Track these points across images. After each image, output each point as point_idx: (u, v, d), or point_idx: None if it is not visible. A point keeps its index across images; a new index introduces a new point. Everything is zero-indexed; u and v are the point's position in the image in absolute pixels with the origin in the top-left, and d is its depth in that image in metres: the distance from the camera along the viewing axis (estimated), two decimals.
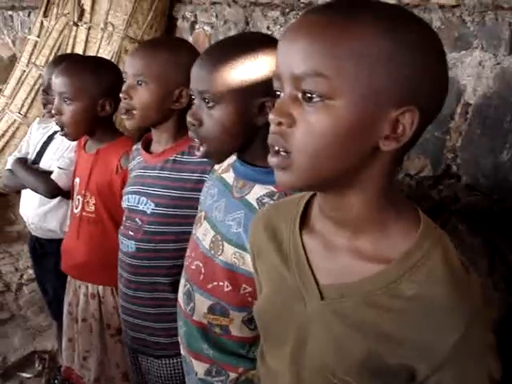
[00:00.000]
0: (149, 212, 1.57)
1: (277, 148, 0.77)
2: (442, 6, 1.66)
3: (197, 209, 1.49)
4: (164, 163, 1.57)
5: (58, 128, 2.24)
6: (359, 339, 0.81)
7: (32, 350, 2.73)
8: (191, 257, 1.29)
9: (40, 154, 2.27)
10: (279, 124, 0.76)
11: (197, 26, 3.11)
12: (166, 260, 1.55)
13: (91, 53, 3.35)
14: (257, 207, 1.14)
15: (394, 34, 0.72)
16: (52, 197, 2.15)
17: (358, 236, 0.83)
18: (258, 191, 1.16)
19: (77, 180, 1.98)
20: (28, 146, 2.34)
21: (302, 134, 0.74)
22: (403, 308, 0.78)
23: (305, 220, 0.91)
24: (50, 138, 2.29)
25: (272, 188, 1.15)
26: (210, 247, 1.22)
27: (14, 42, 5.36)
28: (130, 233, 1.61)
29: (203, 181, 1.48)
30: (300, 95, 0.75)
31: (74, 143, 2.13)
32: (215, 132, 1.16)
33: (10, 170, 2.27)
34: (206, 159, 1.50)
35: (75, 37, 3.47)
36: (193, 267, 1.27)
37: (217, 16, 2.87)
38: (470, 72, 1.60)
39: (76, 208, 1.94)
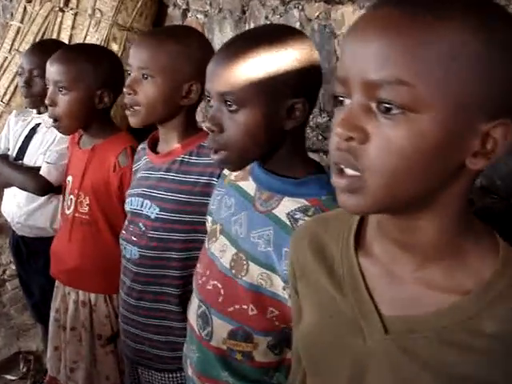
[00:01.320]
0: (153, 217, 1.46)
1: (342, 167, 0.66)
2: None
3: (205, 215, 1.40)
4: (170, 164, 1.46)
5: (39, 120, 2.12)
6: (430, 380, 0.70)
7: (16, 351, 2.62)
8: (205, 275, 1.17)
9: (22, 149, 2.14)
10: (349, 139, 0.64)
11: (189, 14, 2.99)
12: (174, 270, 1.45)
13: (78, 40, 3.22)
14: (288, 223, 1.04)
15: (486, 33, 0.61)
16: (44, 194, 2.04)
17: (428, 263, 0.72)
18: (288, 205, 1.05)
19: (69, 178, 1.84)
20: (7, 141, 2.20)
21: (377, 151, 0.63)
22: (485, 347, 0.68)
23: (359, 239, 0.81)
24: (33, 132, 2.15)
25: (304, 202, 1.04)
26: (231, 266, 1.10)
27: None
28: (134, 238, 1.50)
29: (212, 184, 1.39)
30: (374, 105, 0.63)
31: (60, 135, 2.01)
32: (238, 139, 1.04)
33: None
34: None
35: (61, 23, 3.34)
36: (209, 287, 1.15)
37: (211, 4, 2.76)
38: None
39: (68, 208, 1.81)
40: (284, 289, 1.02)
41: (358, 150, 0.64)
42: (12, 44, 3.73)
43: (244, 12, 2.50)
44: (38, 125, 2.13)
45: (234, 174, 1.20)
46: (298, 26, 2.14)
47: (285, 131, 1.05)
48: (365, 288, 0.76)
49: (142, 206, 1.48)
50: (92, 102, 1.75)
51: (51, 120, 2.06)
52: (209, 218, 1.25)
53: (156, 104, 1.41)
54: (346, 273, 0.79)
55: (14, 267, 3.11)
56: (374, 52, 0.63)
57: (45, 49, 2.14)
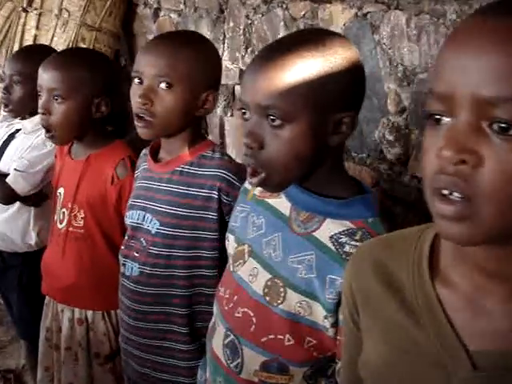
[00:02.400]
0: (153, 232, 1.38)
1: (447, 192, 0.60)
2: None
3: (208, 230, 1.32)
4: (171, 175, 1.38)
5: (20, 126, 2.02)
6: None
7: None
8: (233, 301, 1.08)
9: None
10: (460, 163, 0.58)
11: (161, 14, 2.91)
12: (177, 288, 1.37)
13: (43, 41, 3.10)
14: (332, 248, 0.96)
15: None
16: (6, 203, 1.93)
17: None
18: (331, 228, 0.98)
19: (60, 190, 1.73)
20: None
21: (493, 176, 0.58)
22: None
23: (432, 265, 0.74)
24: (11, 137, 2.04)
25: (349, 224, 0.97)
26: (265, 293, 1.02)
27: None
28: (135, 254, 1.42)
29: (213, 198, 1.32)
30: (486, 124, 0.58)
31: (37, 142, 1.93)
32: (281, 156, 0.94)
33: None
34: (218, 173, 1.34)
35: (24, 23, 3.21)
36: (238, 315, 1.06)
37: (185, 3, 2.68)
38: None
39: (60, 223, 1.70)
40: (326, 318, 0.96)
41: (469, 174, 0.59)
42: None
43: (222, 11, 2.43)
44: (18, 130, 2.02)
45: (259, 188, 1.10)
46: (282, 25, 2.09)
47: (330, 147, 0.98)
48: (446, 320, 0.70)
49: (143, 219, 1.41)
50: (89, 111, 1.65)
51: (30, 126, 1.97)
52: (231, 237, 1.17)
53: (173, 115, 1.32)
54: (421, 303, 0.72)
55: None
56: (490, 66, 0.57)
57: (28, 55, 2.05)
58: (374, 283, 0.78)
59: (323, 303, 0.96)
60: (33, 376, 2.09)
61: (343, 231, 0.96)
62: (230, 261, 1.14)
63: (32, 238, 1.99)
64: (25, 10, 3.20)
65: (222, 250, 1.35)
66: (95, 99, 1.64)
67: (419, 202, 1.72)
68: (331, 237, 0.97)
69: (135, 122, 1.34)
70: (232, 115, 2.47)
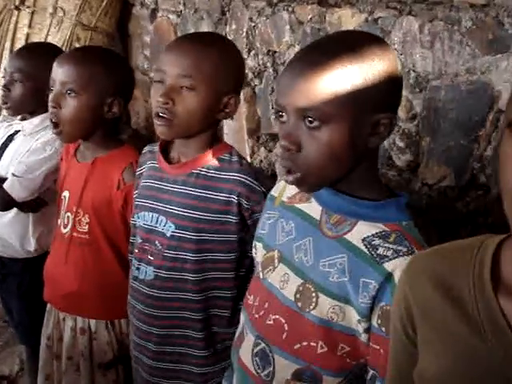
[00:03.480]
0: (168, 235, 1.34)
1: None
2: (472, 5, 1.53)
3: (227, 233, 1.29)
4: (187, 177, 1.34)
5: (19, 127, 1.96)
6: None
7: None
8: (263, 308, 1.06)
9: None
10: None
11: (159, 14, 2.86)
12: (194, 292, 1.34)
13: (36, 40, 3.04)
14: (365, 250, 0.94)
15: None
16: (2, 209, 1.85)
17: None
18: (363, 230, 0.96)
19: (65, 194, 1.67)
20: None
21: None
22: None
23: (493, 276, 0.72)
24: (10, 139, 1.97)
25: (382, 226, 0.96)
26: (297, 299, 1.00)
27: None
28: (150, 257, 1.38)
29: (232, 203, 1.29)
30: None
31: (36, 145, 1.85)
32: (319, 158, 0.94)
33: None
34: (237, 177, 1.31)
35: (16, 22, 3.15)
36: (269, 322, 1.04)
37: (184, 4, 2.65)
38: (507, 77, 1.49)
39: (64, 227, 1.64)
40: (359, 322, 0.94)
41: None
42: None
43: (224, 13, 2.40)
44: (17, 132, 1.95)
45: (288, 195, 1.10)
46: (287, 29, 2.07)
47: (367, 149, 0.97)
48: (510, 331, 0.68)
49: (156, 222, 1.37)
50: (101, 110, 1.59)
51: (30, 128, 1.90)
52: (259, 245, 1.14)
53: (194, 117, 1.29)
54: (482, 314, 0.71)
55: None
56: None
57: (30, 52, 1.98)
58: (433, 295, 0.76)
59: (356, 307, 0.94)
60: (32, 381, 2.04)
61: (376, 233, 0.95)
62: (259, 268, 1.11)
63: (31, 245, 1.92)
64: (17, 8, 3.14)
65: (239, 252, 1.34)
66: (108, 98, 1.58)
67: (430, 209, 1.70)
68: (364, 239, 0.95)
69: (154, 121, 1.30)
70: (232, 118, 2.43)
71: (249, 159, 2.39)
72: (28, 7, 3.10)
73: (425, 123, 1.66)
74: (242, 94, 2.30)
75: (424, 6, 1.64)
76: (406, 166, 1.74)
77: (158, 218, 1.37)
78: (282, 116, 0.97)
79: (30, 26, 3.11)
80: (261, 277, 1.09)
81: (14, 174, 1.81)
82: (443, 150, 1.63)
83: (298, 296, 1.00)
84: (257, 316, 1.07)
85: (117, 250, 1.60)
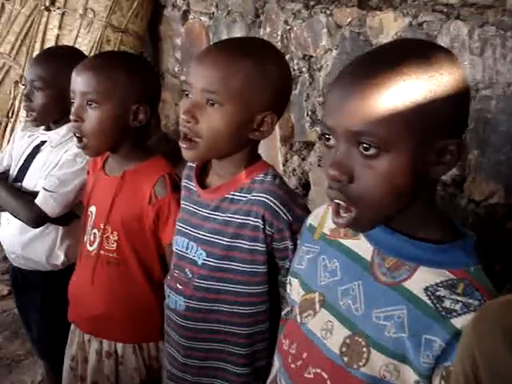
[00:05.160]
0: (200, 263, 1.23)
1: None
2: None
3: (257, 264, 1.19)
4: (219, 202, 1.23)
5: (45, 137, 1.88)
6: None
7: None
8: (302, 358, 0.94)
9: (23, 169, 1.87)
10: None
11: (190, 16, 2.79)
12: (231, 326, 1.23)
13: (66, 42, 3.01)
14: (428, 302, 0.82)
15: None
16: (36, 226, 1.77)
17: None
18: (425, 277, 0.84)
19: (92, 209, 1.57)
20: (10, 158, 1.94)
21: None
22: None
23: None
24: (36, 150, 1.88)
25: (448, 273, 0.83)
26: (343, 352, 0.88)
27: None
28: (179, 286, 1.28)
29: (259, 228, 1.17)
30: None
31: (66, 158, 1.77)
32: (376, 191, 0.81)
33: None
34: (263, 198, 1.18)
35: (46, 23, 3.12)
36: (308, 376, 0.92)
37: (217, 5, 2.56)
38: None
39: (91, 245, 1.54)
40: (417, 383, 0.82)
41: None
42: None
43: (258, 15, 2.31)
44: (43, 143, 1.86)
45: (330, 226, 0.97)
46: (324, 32, 1.97)
47: (430, 180, 0.85)
48: None
49: (187, 248, 1.27)
50: (125, 119, 1.48)
51: (57, 139, 1.83)
52: (294, 281, 1.04)
53: (221, 137, 1.16)
54: None
55: (0, 287, 2.88)
56: None
57: (49, 58, 1.89)
58: (504, 352, 0.66)
59: (415, 367, 0.82)
60: None
61: (441, 282, 0.83)
62: (297, 311, 0.99)
63: (59, 258, 1.84)
64: (47, 9, 3.10)
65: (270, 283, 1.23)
66: (132, 106, 1.48)
67: (476, 228, 1.59)
68: (426, 289, 0.83)
69: (179, 142, 1.19)
70: None
71: (281, 167, 2.30)
72: (58, 8, 3.07)
73: (473, 135, 1.54)
74: None
75: (473, 9, 1.53)
76: (451, 180, 1.63)
77: (188, 243, 1.27)
78: (328, 139, 0.84)
79: (59, 28, 3.08)
80: (298, 321, 0.97)
81: (45, 189, 1.73)
82: (493, 164, 1.51)
83: (344, 349, 0.88)
84: (293, 366, 0.95)
85: (147, 270, 1.50)
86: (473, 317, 0.75)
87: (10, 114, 3.23)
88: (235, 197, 1.21)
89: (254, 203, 1.18)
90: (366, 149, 0.80)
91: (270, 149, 2.35)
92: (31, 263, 1.87)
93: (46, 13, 3.11)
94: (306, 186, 2.22)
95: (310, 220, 1.05)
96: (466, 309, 0.80)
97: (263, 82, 1.15)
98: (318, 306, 0.94)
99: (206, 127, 1.14)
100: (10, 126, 3.16)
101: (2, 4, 3.58)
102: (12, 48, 3.29)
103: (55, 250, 1.82)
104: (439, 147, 0.82)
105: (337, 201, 0.84)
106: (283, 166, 2.30)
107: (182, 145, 1.18)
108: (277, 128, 2.28)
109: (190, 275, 1.26)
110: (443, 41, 1.58)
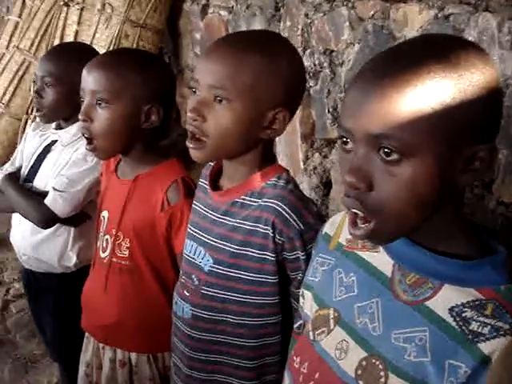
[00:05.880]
0: (206, 269, 1.18)
1: None
2: None
3: (267, 274, 1.12)
4: (230, 206, 1.17)
5: (56, 137, 1.84)
6: None
7: None
8: (314, 379, 0.87)
9: (34, 169, 1.83)
10: None
11: (210, 10, 2.73)
12: (238, 337, 1.18)
13: (84, 37, 2.98)
14: (453, 324, 0.75)
15: None
16: (45, 227, 1.73)
17: None
18: (450, 296, 0.77)
19: (104, 214, 1.52)
20: (22, 157, 1.91)
21: None
22: None
23: None
24: (47, 150, 1.84)
25: (475, 293, 0.76)
26: (358, 375, 0.81)
27: None
28: (186, 293, 1.22)
29: (268, 236, 1.11)
30: None
31: (76, 157, 1.73)
32: (398, 201, 0.74)
33: None
34: (273, 204, 1.11)
35: (65, 18, 3.10)
36: None
37: None
38: None
39: (103, 251, 1.49)
40: None
41: None
42: (10, 40, 3.50)
43: (278, 9, 2.24)
44: (54, 142, 1.82)
45: (347, 236, 0.90)
46: (346, 26, 1.90)
47: (455, 189, 0.77)
48: None
49: (194, 253, 1.21)
50: (137, 120, 1.41)
51: (67, 137, 1.79)
52: (307, 294, 0.97)
53: (229, 136, 1.09)
54: None
55: (18, 285, 2.86)
56: None
57: (60, 54, 1.85)
58: None
59: None
60: None
61: (468, 302, 0.76)
62: (309, 327, 0.92)
63: (70, 260, 1.80)
64: (66, 4, 3.08)
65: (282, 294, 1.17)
66: (144, 106, 1.41)
67: (506, 231, 1.51)
68: (451, 309, 0.76)
69: (187, 142, 1.12)
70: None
71: (301, 165, 2.23)
72: (77, 3, 3.04)
73: (502, 134, 1.46)
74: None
75: (503, 0, 1.45)
76: (479, 180, 1.55)
77: (196, 248, 1.21)
78: (346, 143, 0.78)
79: (78, 23, 3.05)
80: (311, 338, 0.91)
81: (54, 189, 1.69)
82: None
83: (359, 372, 0.82)
84: None
85: (161, 279, 1.45)
86: (505, 347, 0.67)
87: (29, 111, 3.22)
88: (245, 201, 1.15)
89: (265, 209, 1.12)
90: (387, 154, 0.73)
91: (291, 146, 2.29)
92: (43, 265, 1.84)
93: (65, 8, 3.08)
94: (327, 184, 2.15)
95: (326, 228, 0.98)
96: (495, 332, 0.73)
97: (274, 77, 1.09)
98: (332, 323, 0.88)
99: (214, 125, 1.08)
100: (29, 122, 3.15)
101: (23, 0, 3.57)
102: (32, 44, 3.28)
103: (67, 252, 1.78)
104: (468, 153, 0.75)
105: (354, 210, 0.78)
106: (304, 163, 2.23)
107: (190, 145, 1.12)
108: (297, 125, 2.22)
109: (197, 282, 1.20)
110: (471, 34, 1.50)
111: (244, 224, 1.14)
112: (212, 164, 1.27)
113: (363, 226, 0.77)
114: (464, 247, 0.81)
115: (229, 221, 1.16)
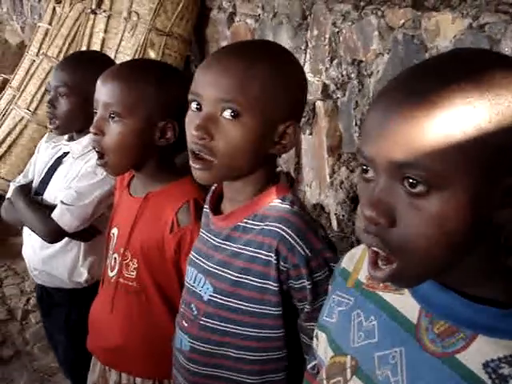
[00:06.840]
0: (205, 298, 1.09)
1: None
2: None
3: (269, 305, 1.03)
4: (231, 231, 1.08)
5: (67, 148, 1.78)
6: None
7: None
8: None
9: (45, 181, 1.78)
10: None
11: (236, 19, 2.67)
12: (239, 373, 1.09)
13: (111, 45, 2.95)
14: (487, 381, 0.65)
15: None
16: (52, 241, 1.67)
17: None
18: (485, 349, 0.67)
19: (114, 231, 1.44)
20: (35, 169, 1.86)
21: None
22: None
23: None
24: (58, 162, 1.79)
25: None
26: None
27: (22, 29, 4.93)
28: (185, 324, 1.14)
29: (271, 264, 1.02)
30: None
31: (86, 169, 1.67)
32: (424, 240, 0.65)
33: (9, 199, 1.79)
34: (277, 228, 1.03)
35: (93, 26, 3.07)
36: None
37: (263, 7, 2.44)
38: None
39: (112, 270, 1.42)
40: None
41: None
42: (40, 47, 3.51)
43: (305, 17, 2.17)
44: (65, 154, 1.77)
45: (367, 273, 0.79)
46: (375, 35, 1.82)
47: (490, 226, 0.67)
48: None
49: (195, 280, 1.13)
50: (151, 136, 1.34)
51: (79, 149, 1.73)
52: (321, 336, 0.87)
53: (240, 154, 1.01)
54: None
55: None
56: None
57: (75, 63, 1.78)
58: None
59: None
60: None
61: (505, 357, 0.66)
62: (323, 375, 0.82)
63: (82, 276, 1.74)
64: (93, 12, 3.05)
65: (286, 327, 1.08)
66: (160, 122, 1.34)
67: None
68: (486, 364, 0.66)
69: (190, 162, 1.04)
70: (311, 134, 2.21)
71: (328, 179, 2.15)
72: (104, 11, 3.01)
73: None
74: (321, 108, 2.13)
75: None
76: None
77: (196, 275, 1.13)
78: (366, 171, 0.69)
79: (105, 31, 3.01)
80: None
81: (62, 202, 1.63)
82: None
83: None
84: None
85: (169, 302, 1.37)
86: None
87: None
88: (248, 225, 1.06)
89: (267, 234, 1.03)
90: (412, 185, 0.64)
91: (317, 159, 2.21)
92: (54, 280, 1.78)
93: (92, 16, 3.06)
94: (354, 199, 2.07)
95: (344, 263, 0.89)
96: None
97: (282, 88, 1.01)
98: (349, 372, 0.78)
99: (223, 143, 1.00)
100: None
101: (54, 7, 3.58)
102: (60, 51, 3.27)
103: (78, 267, 1.72)
104: (507, 186, 0.65)
105: (374, 248, 0.69)
106: (330, 177, 2.15)
107: (194, 165, 1.03)
108: (324, 137, 2.14)
109: (196, 312, 1.12)
110: (508, 45, 1.41)
111: (246, 250, 1.06)
112: (213, 188, 1.19)
113: (385, 267, 0.68)
114: (502, 293, 0.71)
115: (230, 246, 1.08)
